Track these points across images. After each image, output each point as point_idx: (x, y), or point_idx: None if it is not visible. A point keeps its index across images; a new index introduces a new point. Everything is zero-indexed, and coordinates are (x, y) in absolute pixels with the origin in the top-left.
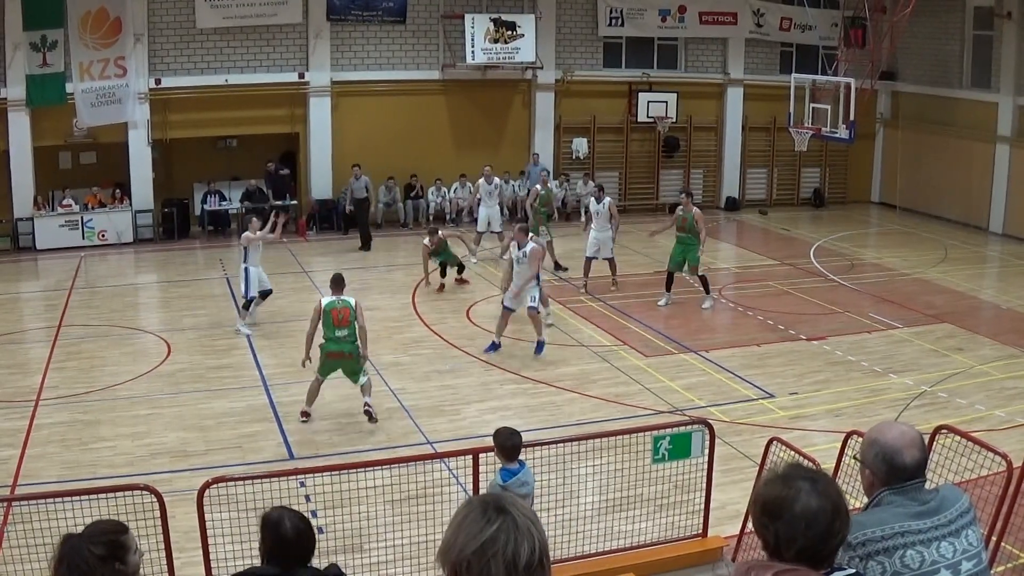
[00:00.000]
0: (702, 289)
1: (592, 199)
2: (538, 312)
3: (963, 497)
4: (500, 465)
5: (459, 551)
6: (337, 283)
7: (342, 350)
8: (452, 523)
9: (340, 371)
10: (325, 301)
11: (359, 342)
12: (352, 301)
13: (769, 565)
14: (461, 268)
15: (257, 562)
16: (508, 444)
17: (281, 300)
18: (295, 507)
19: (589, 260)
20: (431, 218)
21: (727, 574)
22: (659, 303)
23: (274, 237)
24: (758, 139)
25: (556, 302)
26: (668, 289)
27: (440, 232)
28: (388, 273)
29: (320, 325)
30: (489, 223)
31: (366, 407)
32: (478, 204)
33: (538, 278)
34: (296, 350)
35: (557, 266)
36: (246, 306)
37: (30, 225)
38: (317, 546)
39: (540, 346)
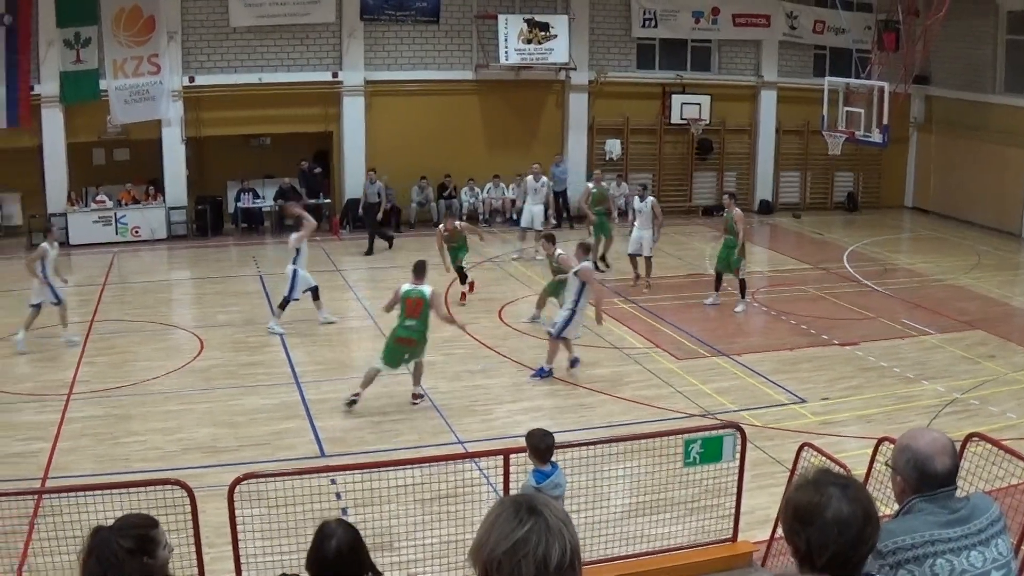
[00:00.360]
0: (738, 292)
1: (636, 198)
2: (557, 340)
3: (994, 506)
4: (532, 467)
5: (490, 550)
6: (418, 271)
7: (411, 337)
8: (484, 522)
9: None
10: (404, 288)
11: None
12: (427, 292)
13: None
14: (464, 278)
15: (286, 559)
16: (541, 445)
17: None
18: (325, 504)
19: (633, 257)
20: (464, 218)
21: None
22: (706, 301)
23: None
24: (791, 142)
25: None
26: (717, 289)
27: (458, 223)
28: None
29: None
30: (532, 220)
31: (416, 396)
32: (523, 201)
33: (575, 307)
34: (328, 348)
35: (596, 266)
36: (282, 306)
37: (64, 221)
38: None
39: (541, 372)
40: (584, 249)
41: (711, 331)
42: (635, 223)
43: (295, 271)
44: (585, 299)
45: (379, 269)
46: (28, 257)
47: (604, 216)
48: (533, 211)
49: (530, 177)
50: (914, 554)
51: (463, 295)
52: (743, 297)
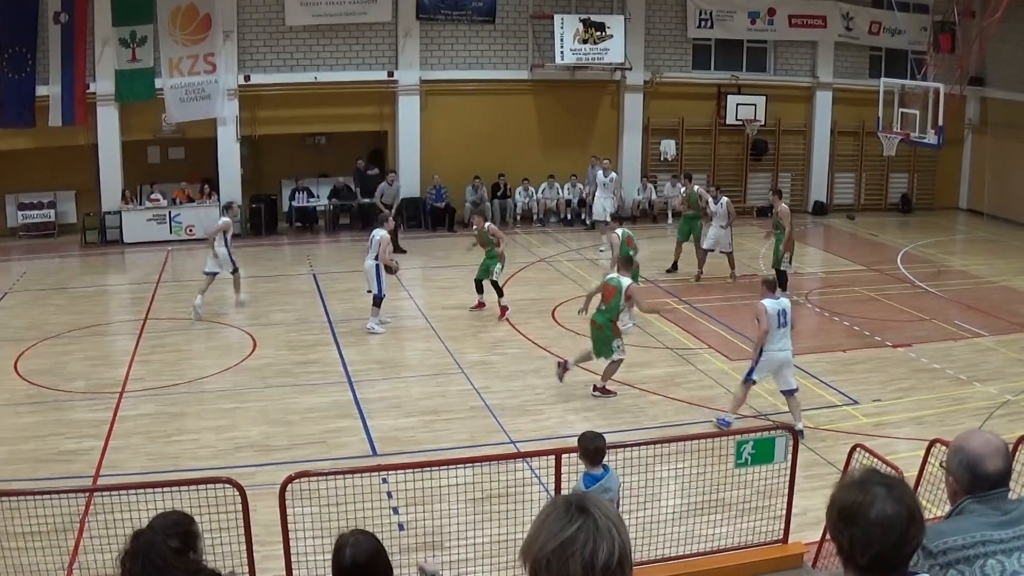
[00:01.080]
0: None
1: (710, 199)
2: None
3: None
4: (584, 469)
5: (539, 548)
6: (625, 263)
7: (596, 319)
8: (536, 521)
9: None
10: (609, 276)
11: (615, 320)
12: (624, 283)
13: None
14: (480, 288)
15: None
16: (591, 447)
17: (367, 297)
18: (376, 503)
19: (705, 252)
20: (518, 218)
21: None
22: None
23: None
24: (846, 143)
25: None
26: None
27: (488, 224)
28: (473, 273)
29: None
30: (604, 213)
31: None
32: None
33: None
34: (381, 348)
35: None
36: (376, 303)
37: (118, 219)
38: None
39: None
40: (769, 286)
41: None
42: (712, 222)
43: (377, 266)
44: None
45: (432, 269)
46: (210, 231)
47: (694, 219)
48: (605, 204)
49: (600, 171)
50: (964, 554)
51: (502, 310)
52: (783, 289)
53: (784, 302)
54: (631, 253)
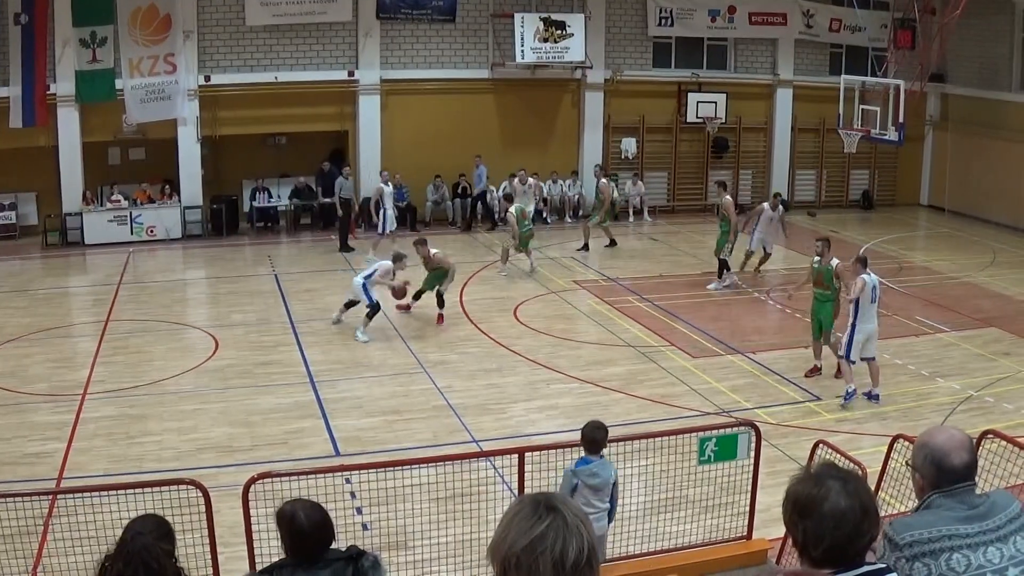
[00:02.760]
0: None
1: (766, 205)
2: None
3: (1014, 503)
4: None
5: (508, 547)
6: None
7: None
8: (503, 520)
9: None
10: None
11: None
12: (834, 263)
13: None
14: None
15: None
16: (589, 436)
17: (329, 297)
18: (339, 504)
19: (751, 253)
20: (480, 217)
21: None
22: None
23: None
24: (807, 140)
25: (604, 301)
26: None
27: (434, 252)
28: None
29: None
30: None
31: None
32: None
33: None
34: (344, 348)
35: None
36: (370, 316)
37: (79, 220)
38: (352, 539)
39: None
40: (862, 263)
41: (726, 329)
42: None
43: (364, 284)
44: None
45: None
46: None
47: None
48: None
49: (516, 181)
50: (930, 548)
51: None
52: (719, 277)
53: (875, 278)
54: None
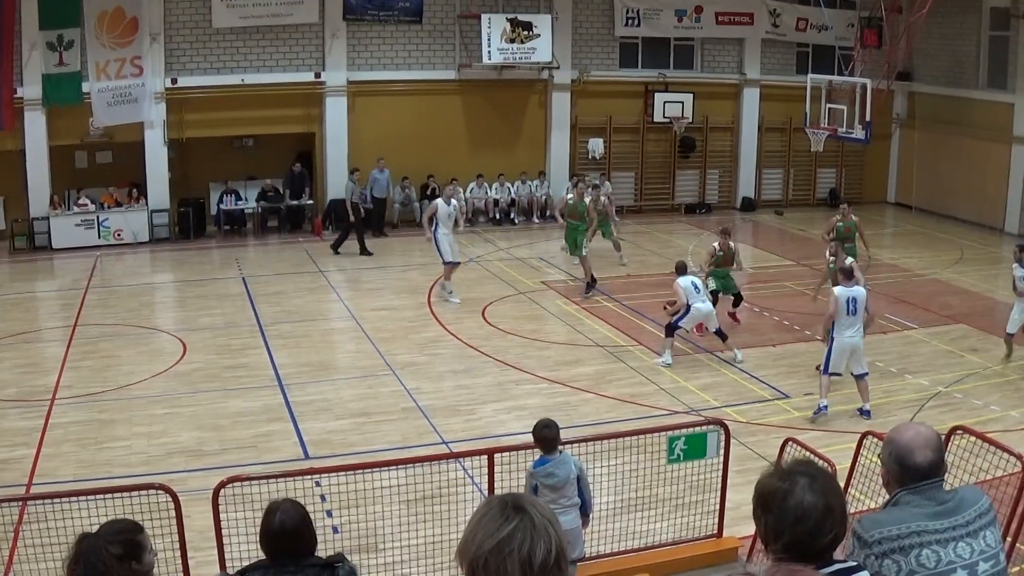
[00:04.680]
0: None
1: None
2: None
3: (983, 498)
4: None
5: (476, 548)
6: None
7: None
8: (471, 521)
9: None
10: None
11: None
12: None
13: (793, 570)
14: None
15: None
16: (539, 436)
17: (297, 300)
18: (309, 507)
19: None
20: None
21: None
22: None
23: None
24: (774, 139)
25: (572, 301)
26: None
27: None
28: (404, 273)
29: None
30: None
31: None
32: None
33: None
34: (312, 350)
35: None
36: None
37: (46, 224)
38: (321, 541)
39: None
40: (845, 274)
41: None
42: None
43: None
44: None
45: (362, 270)
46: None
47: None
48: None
49: (441, 201)
50: (899, 544)
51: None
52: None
53: (857, 290)
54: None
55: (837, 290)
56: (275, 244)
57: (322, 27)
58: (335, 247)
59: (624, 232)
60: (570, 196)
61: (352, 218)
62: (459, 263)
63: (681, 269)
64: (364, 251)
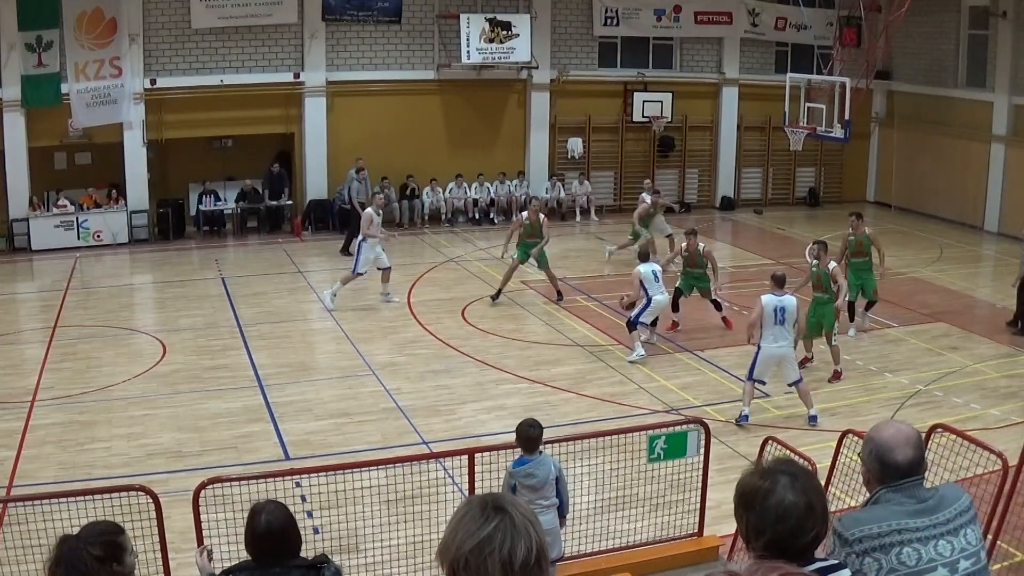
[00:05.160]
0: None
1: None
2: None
3: (963, 496)
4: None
5: (457, 549)
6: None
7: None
8: (451, 521)
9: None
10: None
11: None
12: (831, 267)
13: (773, 566)
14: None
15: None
16: (524, 435)
17: (277, 300)
18: (290, 508)
19: None
20: (427, 218)
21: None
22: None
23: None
24: (753, 138)
25: (552, 301)
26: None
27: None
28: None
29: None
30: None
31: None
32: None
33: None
34: (291, 351)
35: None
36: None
37: (25, 226)
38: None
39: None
40: (776, 282)
41: (673, 327)
42: None
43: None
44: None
45: (341, 270)
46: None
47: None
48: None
49: (371, 209)
50: (880, 543)
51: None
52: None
53: (787, 299)
54: None
55: (765, 298)
56: (255, 245)
57: (301, 27)
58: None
59: (603, 231)
60: (524, 215)
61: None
62: (388, 268)
63: (643, 256)
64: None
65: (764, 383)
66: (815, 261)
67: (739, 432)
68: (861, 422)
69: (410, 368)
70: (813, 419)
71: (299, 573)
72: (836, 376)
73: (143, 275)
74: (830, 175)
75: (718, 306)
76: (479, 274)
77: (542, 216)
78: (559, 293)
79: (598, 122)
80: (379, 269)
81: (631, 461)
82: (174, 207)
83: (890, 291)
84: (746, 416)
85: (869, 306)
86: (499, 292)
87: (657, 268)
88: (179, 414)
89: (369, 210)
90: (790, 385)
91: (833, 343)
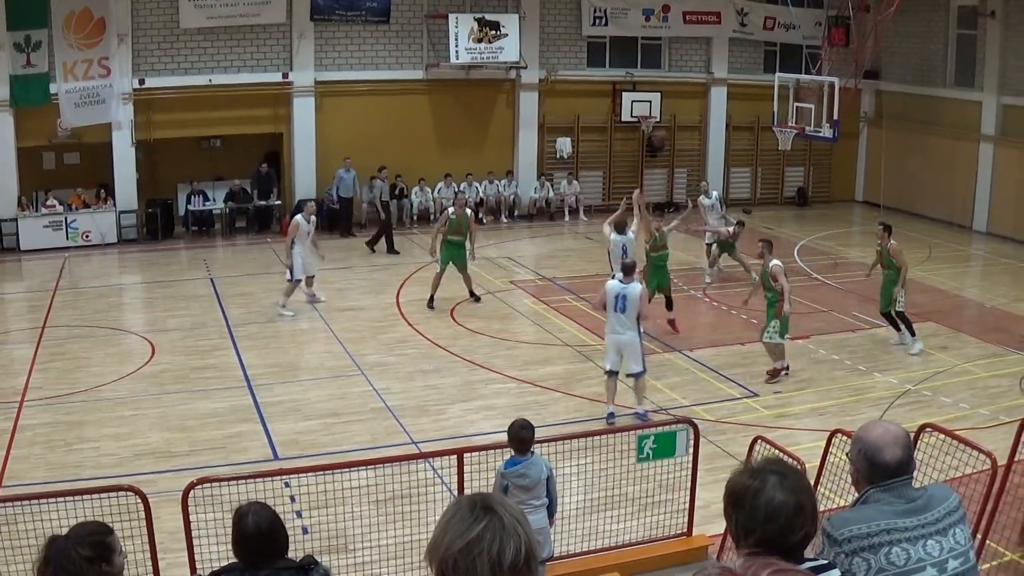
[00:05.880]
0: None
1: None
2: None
3: (952, 496)
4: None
5: (446, 549)
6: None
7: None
8: (440, 521)
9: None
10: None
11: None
12: (771, 265)
13: (766, 563)
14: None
15: None
16: (516, 436)
17: (265, 300)
18: (279, 508)
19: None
20: (415, 218)
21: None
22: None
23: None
24: (742, 138)
25: (540, 301)
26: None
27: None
28: (371, 273)
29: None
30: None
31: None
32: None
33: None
34: (280, 351)
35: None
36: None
37: (14, 226)
38: (291, 542)
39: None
40: (627, 271)
41: (663, 327)
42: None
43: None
44: None
45: (330, 271)
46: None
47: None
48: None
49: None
50: (869, 543)
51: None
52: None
53: (631, 288)
54: None
55: (609, 283)
56: (243, 245)
57: (289, 27)
58: (371, 243)
59: (592, 231)
60: (451, 210)
61: (383, 216)
62: (313, 275)
63: (619, 227)
64: (391, 249)
65: (615, 372)
66: (760, 261)
67: (728, 432)
68: (850, 422)
69: (399, 368)
70: (642, 416)
71: (288, 574)
72: (772, 375)
73: (132, 275)
74: (819, 175)
75: (669, 304)
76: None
77: (468, 212)
78: (472, 294)
79: (587, 122)
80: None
81: (620, 461)
82: (163, 207)
83: (878, 291)
84: (611, 414)
85: (891, 320)
86: (431, 299)
87: (628, 243)
88: (168, 414)
89: (298, 217)
90: (628, 376)
91: (765, 339)
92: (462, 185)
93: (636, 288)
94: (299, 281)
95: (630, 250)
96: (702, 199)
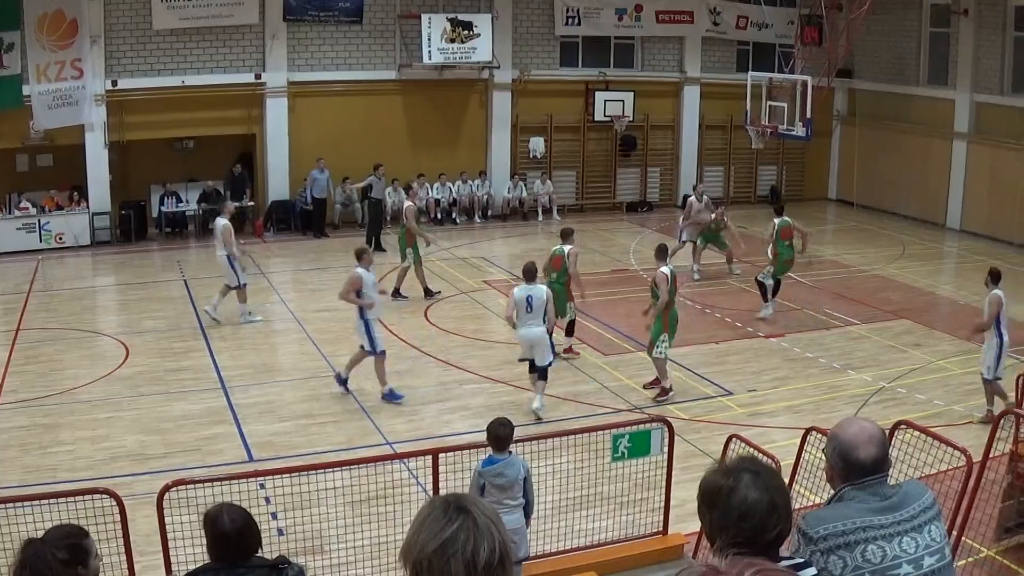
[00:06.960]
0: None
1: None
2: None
3: (927, 493)
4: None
5: (420, 549)
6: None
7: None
8: (414, 522)
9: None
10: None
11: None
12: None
13: (750, 563)
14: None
15: None
16: (494, 433)
17: (239, 302)
18: (254, 509)
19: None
20: (388, 218)
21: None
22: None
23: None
24: (715, 137)
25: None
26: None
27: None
28: (346, 274)
29: None
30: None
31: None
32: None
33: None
34: (254, 352)
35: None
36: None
37: None
38: (262, 539)
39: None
40: (525, 274)
41: (636, 326)
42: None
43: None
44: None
45: (304, 272)
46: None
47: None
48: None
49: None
50: (845, 540)
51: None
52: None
53: (536, 289)
54: None
55: (515, 290)
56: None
57: (262, 28)
58: (375, 248)
59: None
60: (408, 203)
61: (370, 215)
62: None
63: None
64: (378, 247)
65: (529, 360)
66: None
67: (703, 430)
68: (824, 419)
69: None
70: (538, 410)
71: (263, 572)
72: (662, 393)
73: (105, 277)
74: (792, 173)
75: (570, 328)
76: (441, 274)
77: (407, 203)
78: (427, 291)
79: (560, 121)
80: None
81: (595, 460)
82: (136, 209)
83: (852, 288)
84: (539, 407)
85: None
86: (427, 291)
87: (535, 295)
88: (143, 416)
89: (224, 220)
90: (537, 367)
91: (656, 354)
92: (435, 185)
93: (542, 288)
94: (246, 284)
95: (535, 305)
96: (692, 200)
